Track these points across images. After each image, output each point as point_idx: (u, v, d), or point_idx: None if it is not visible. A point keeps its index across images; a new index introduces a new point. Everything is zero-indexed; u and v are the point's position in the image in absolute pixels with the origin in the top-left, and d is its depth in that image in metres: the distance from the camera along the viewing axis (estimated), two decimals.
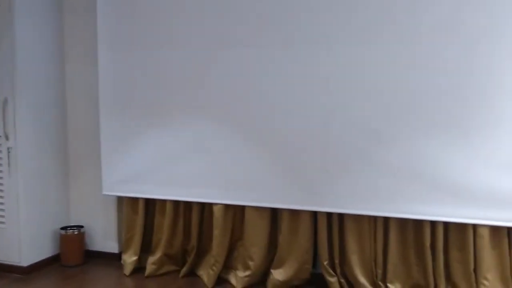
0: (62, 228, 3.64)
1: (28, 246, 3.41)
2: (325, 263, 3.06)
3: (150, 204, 3.55)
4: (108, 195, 3.56)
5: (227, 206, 3.25)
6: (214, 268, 3.25)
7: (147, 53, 3.33)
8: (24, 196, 3.36)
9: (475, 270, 2.76)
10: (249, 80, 3.08)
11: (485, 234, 2.71)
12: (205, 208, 3.40)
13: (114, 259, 3.70)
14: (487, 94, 2.65)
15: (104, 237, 3.74)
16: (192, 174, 3.28)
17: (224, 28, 3.12)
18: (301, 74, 2.96)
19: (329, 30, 2.88)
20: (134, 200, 3.52)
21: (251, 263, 3.20)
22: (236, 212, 3.29)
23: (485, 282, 2.73)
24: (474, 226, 2.74)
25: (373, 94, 2.83)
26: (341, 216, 3.04)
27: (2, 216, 3.40)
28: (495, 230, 2.72)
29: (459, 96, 2.69)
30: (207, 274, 3.29)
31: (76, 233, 3.63)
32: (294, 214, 3.11)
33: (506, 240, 2.71)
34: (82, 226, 3.70)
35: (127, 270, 3.44)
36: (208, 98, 3.20)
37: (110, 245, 3.73)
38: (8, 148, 3.31)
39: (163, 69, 3.30)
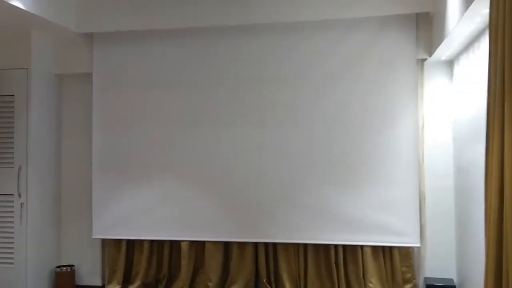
0: (57, 267, 4.58)
1: (32, 282, 4.31)
2: (264, 280, 4.26)
3: (130, 243, 4.60)
4: (95, 238, 4.58)
5: (191, 242, 4.40)
6: None
7: (130, 128, 4.50)
8: (31, 241, 4.31)
9: (363, 276, 4.08)
10: (207, 148, 4.33)
11: (368, 251, 4.06)
12: (174, 245, 4.51)
13: None
14: (369, 157, 4.07)
15: (90, 272, 4.69)
16: (164, 219, 4.40)
17: (187, 112, 4.39)
18: (243, 145, 4.26)
19: (259, 116, 4.24)
20: (117, 241, 4.57)
21: (210, 284, 4.33)
22: (198, 246, 4.44)
23: (370, 285, 4.05)
24: (362, 246, 4.09)
25: (293, 157, 4.17)
26: (274, 244, 4.28)
27: (12, 258, 4.32)
28: (374, 248, 4.08)
29: (349, 158, 4.09)
30: None
31: (68, 270, 4.58)
32: (241, 245, 4.32)
33: (382, 255, 4.08)
34: (73, 265, 4.65)
35: None
36: (176, 162, 4.40)
37: (95, 280, 4.69)
38: (21, 204, 4.30)
39: (142, 139, 4.47)
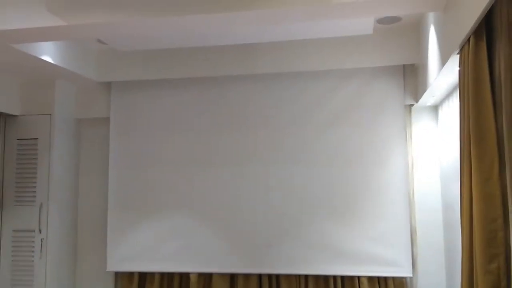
0: None
1: None
2: None
3: (142, 276, 4.90)
4: (109, 271, 4.88)
5: (200, 274, 4.71)
6: None
7: (143, 168, 4.89)
8: (49, 273, 4.62)
9: None
10: (215, 187, 4.71)
11: (365, 281, 4.37)
12: (183, 277, 4.81)
13: None
14: (364, 194, 4.44)
15: None
16: (174, 252, 4.73)
17: (197, 153, 4.79)
18: (249, 184, 4.64)
19: (265, 157, 4.64)
20: (130, 273, 4.87)
21: None
22: (206, 278, 4.74)
23: None
24: (359, 277, 4.40)
25: (295, 195, 4.54)
26: (277, 276, 4.59)
27: None
28: (370, 278, 4.39)
29: (346, 195, 4.46)
30: None
31: None
32: (246, 276, 4.62)
33: (377, 285, 4.38)
34: None
35: None
36: (186, 199, 4.76)
37: None
38: (41, 239, 4.64)
39: (154, 179, 4.85)
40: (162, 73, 4.82)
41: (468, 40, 2.58)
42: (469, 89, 2.52)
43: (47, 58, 4.21)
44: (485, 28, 2.46)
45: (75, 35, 3.83)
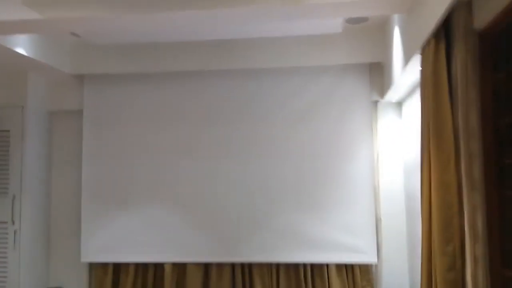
0: None
1: None
2: None
3: (116, 266, 4.97)
4: (83, 262, 4.93)
5: (174, 264, 4.83)
6: None
7: (116, 160, 4.95)
8: (23, 265, 4.64)
9: None
10: (188, 179, 4.83)
11: (333, 268, 4.61)
12: (158, 267, 4.92)
13: None
14: (332, 185, 4.66)
15: None
16: (148, 243, 4.83)
17: (170, 147, 4.89)
18: (222, 176, 4.78)
19: (238, 150, 4.79)
20: (104, 264, 4.94)
21: None
22: (180, 268, 4.86)
23: None
24: (327, 264, 4.63)
25: (267, 187, 4.72)
26: (250, 264, 4.76)
27: (5, 282, 4.63)
28: (338, 265, 4.63)
29: (315, 187, 4.67)
30: None
31: None
32: (219, 265, 4.78)
33: (344, 271, 4.63)
34: (61, 287, 4.98)
35: None
36: (159, 191, 4.87)
37: None
38: (14, 231, 4.65)
39: (128, 171, 4.93)
40: (136, 67, 4.89)
41: (429, 42, 2.80)
42: (429, 88, 2.75)
43: (19, 50, 4.21)
44: (445, 32, 2.68)
45: (50, 28, 3.87)
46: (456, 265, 2.52)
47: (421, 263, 2.79)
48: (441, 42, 2.67)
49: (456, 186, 2.55)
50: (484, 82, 2.52)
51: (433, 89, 2.68)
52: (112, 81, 5.04)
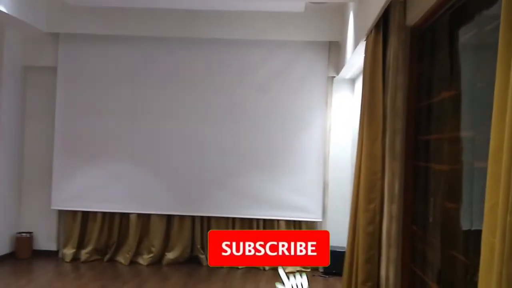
0: (18, 233, 5.27)
1: None
2: (199, 246, 5.24)
3: (85, 214, 5.37)
4: (53, 209, 5.31)
5: (139, 215, 5.27)
6: (129, 253, 5.21)
7: (88, 115, 5.27)
8: None
9: None
10: (155, 136, 5.22)
11: (282, 224, 5.17)
12: (123, 217, 5.35)
13: (53, 254, 5.39)
14: (286, 151, 5.15)
15: (47, 239, 5.41)
16: (116, 194, 5.24)
17: (138, 105, 5.24)
18: (185, 136, 5.20)
19: (201, 113, 5.19)
20: (74, 212, 5.33)
21: (153, 249, 5.23)
22: (145, 218, 5.31)
23: None
24: (278, 220, 5.18)
25: (226, 149, 5.17)
26: (208, 218, 5.26)
27: None
28: (287, 222, 5.18)
29: (270, 151, 5.15)
30: (124, 258, 5.22)
31: (28, 236, 5.28)
32: (181, 217, 5.26)
33: (292, 227, 5.19)
34: (31, 232, 5.35)
35: (68, 258, 5.19)
36: (128, 146, 5.25)
37: (51, 245, 5.42)
38: None
39: (98, 126, 5.26)
40: (110, 29, 5.15)
41: (371, 31, 3.25)
42: (367, 71, 3.22)
43: None
44: (384, 24, 3.13)
45: None
46: (375, 220, 3.07)
47: (349, 218, 3.33)
48: (380, 34, 3.12)
49: (381, 156, 3.07)
50: (411, 70, 3.00)
51: (370, 73, 3.15)
52: (86, 41, 5.28)
